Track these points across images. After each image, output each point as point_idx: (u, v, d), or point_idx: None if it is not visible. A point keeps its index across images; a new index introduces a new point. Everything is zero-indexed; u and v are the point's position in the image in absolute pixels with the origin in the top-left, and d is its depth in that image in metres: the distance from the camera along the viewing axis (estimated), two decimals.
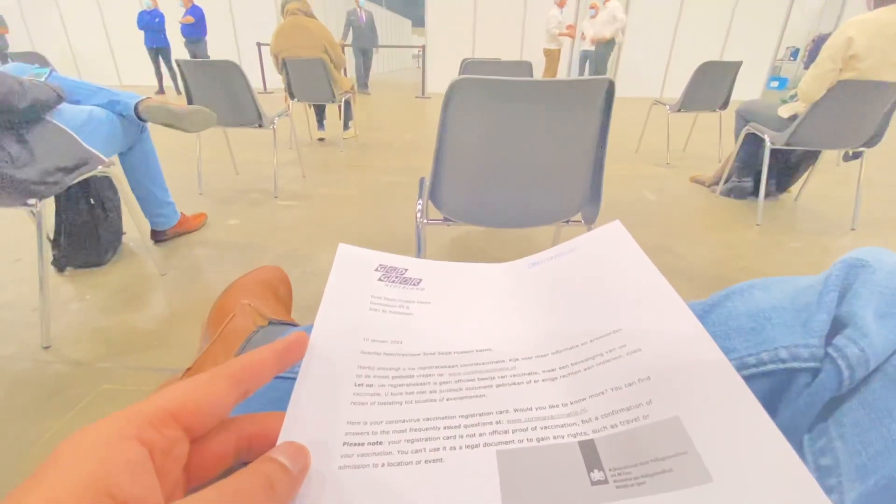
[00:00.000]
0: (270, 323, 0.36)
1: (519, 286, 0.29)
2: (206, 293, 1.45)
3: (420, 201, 1.16)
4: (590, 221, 1.16)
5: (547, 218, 1.15)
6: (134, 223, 1.53)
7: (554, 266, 0.29)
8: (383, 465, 0.18)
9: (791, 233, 2.04)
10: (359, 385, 0.22)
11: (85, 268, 1.56)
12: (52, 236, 1.53)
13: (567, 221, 1.18)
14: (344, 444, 0.19)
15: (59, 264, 1.54)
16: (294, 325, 0.37)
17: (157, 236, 1.76)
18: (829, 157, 2.82)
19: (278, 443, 0.18)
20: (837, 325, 0.21)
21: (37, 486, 0.12)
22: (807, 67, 1.91)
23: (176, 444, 0.16)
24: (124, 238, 1.72)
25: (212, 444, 0.18)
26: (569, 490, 0.17)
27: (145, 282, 1.51)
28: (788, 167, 2.37)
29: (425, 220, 1.16)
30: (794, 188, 2.47)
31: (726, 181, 2.46)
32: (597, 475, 0.17)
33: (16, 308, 1.34)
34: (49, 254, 1.49)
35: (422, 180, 1.19)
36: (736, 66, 2.92)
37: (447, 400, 0.21)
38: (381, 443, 0.19)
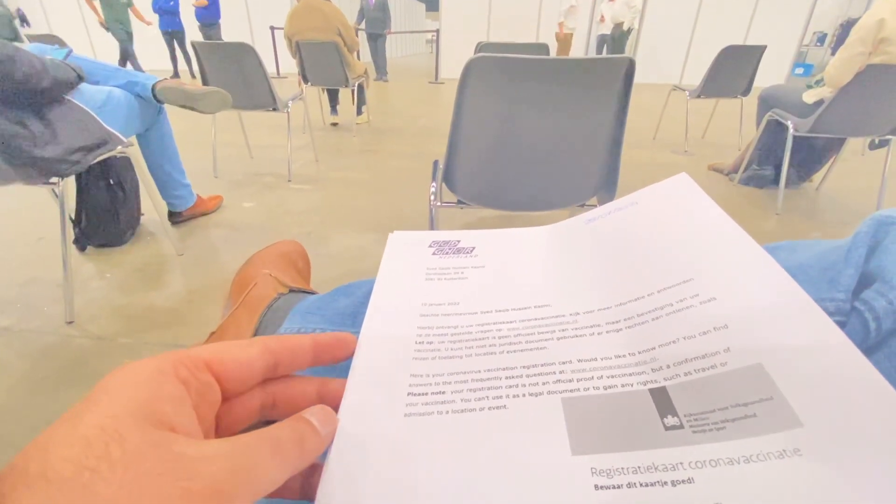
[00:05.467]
0: (291, 290, 0.37)
1: (576, 242, 0.28)
2: (222, 273, 1.47)
3: (434, 184, 1.15)
4: None
5: (562, 202, 1.14)
6: (152, 204, 1.56)
7: (614, 220, 0.28)
8: (447, 412, 0.19)
9: (811, 222, 1.99)
10: (419, 343, 0.22)
11: (105, 247, 1.60)
12: (73, 216, 1.56)
13: (582, 206, 1.17)
14: (408, 394, 0.20)
15: (81, 243, 1.58)
16: (313, 293, 0.37)
17: (174, 217, 1.79)
18: (854, 146, 2.73)
19: (343, 399, 0.19)
20: (866, 281, 0.21)
21: (92, 409, 0.13)
22: (834, 54, 1.84)
23: (209, 389, 0.16)
24: (142, 219, 1.75)
25: (240, 397, 0.18)
26: (641, 434, 0.17)
27: (163, 261, 1.54)
28: (811, 155, 2.30)
29: (438, 203, 1.16)
30: (817, 177, 2.40)
31: (746, 169, 2.40)
32: (671, 420, 0.17)
33: (40, 284, 1.38)
34: (71, 233, 1.53)
35: (435, 163, 1.19)
36: (760, 50, 2.83)
37: (507, 353, 0.21)
38: (444, 392, 0.20)
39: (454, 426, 0.18)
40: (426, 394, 0.20)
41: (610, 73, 0.92)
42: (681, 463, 0.15)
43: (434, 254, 0.29)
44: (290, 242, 0.47)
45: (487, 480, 0.16)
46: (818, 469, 0.14)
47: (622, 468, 0.16)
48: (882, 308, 0.19)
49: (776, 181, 2.18)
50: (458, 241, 0.29)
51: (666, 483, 0.15)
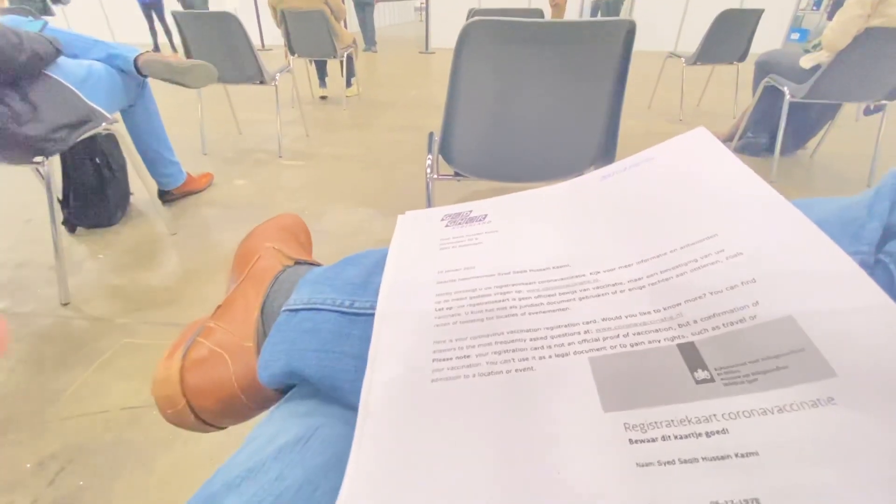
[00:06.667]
0: (297, 263, 0.36)
1: (592, 200, 0.27)
2: (217, 251, 1.46)
3: (430, 156, 1.14)
4: None
5: (559, 172, 1.13)
6: (142, 183, 1.52)
7: (630, 176, 0.27)
8: (474, 375, 0.19)
9: (805, 190, 2.00)
10: (439, 309, 0.22)
11: (96, 227, 1.57)
12: (60, 197, 1.53)
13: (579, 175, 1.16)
14: (434, 360, 0.20)
15: (70, 224, 1.55)
16: (319, 265, 0.37)
17: (165, 196, 1.76)
18: (849, 113, 2.72)
19: (366, 377, 0.19)
20: (889, 235, 0.20)
21: None
22: (830, 18, 1.81)
23: None
24: (132, 198, 1.72)
25: None
26: (672, 389, 0.17)
27: (156, 241, 1.52)
28: (806, 122, 2.29)
29: (435, 176, 1.14)
30: (811, 144, 2.40)
31: (740, 137, 2.39)
32: (701, 374, 0.17)
33: (32, 267, 1.36)
34: (60, 214, 1.49)
35: (431, 134, 1.16)
36: (757, 13, 2.78)
37: (529, 314, 0.21)
38: (468, 356, 0.20)
39: (482, 388, 0.18)
40: (451, 358, 0.20)
41: (609, 36, 0.89)
42: (714, 415, 0.15)
43: (447, 225, 0.28)
44: (290, 216, 0.46)
45: (520, 441, 0.16)
46: (854, 416, 0.14)
47: (655, 422, 0.16)
48: None
49: (771, 149, 2.17)
50: (471, 211, 0.29)
51: (700, 434, 0.15)
